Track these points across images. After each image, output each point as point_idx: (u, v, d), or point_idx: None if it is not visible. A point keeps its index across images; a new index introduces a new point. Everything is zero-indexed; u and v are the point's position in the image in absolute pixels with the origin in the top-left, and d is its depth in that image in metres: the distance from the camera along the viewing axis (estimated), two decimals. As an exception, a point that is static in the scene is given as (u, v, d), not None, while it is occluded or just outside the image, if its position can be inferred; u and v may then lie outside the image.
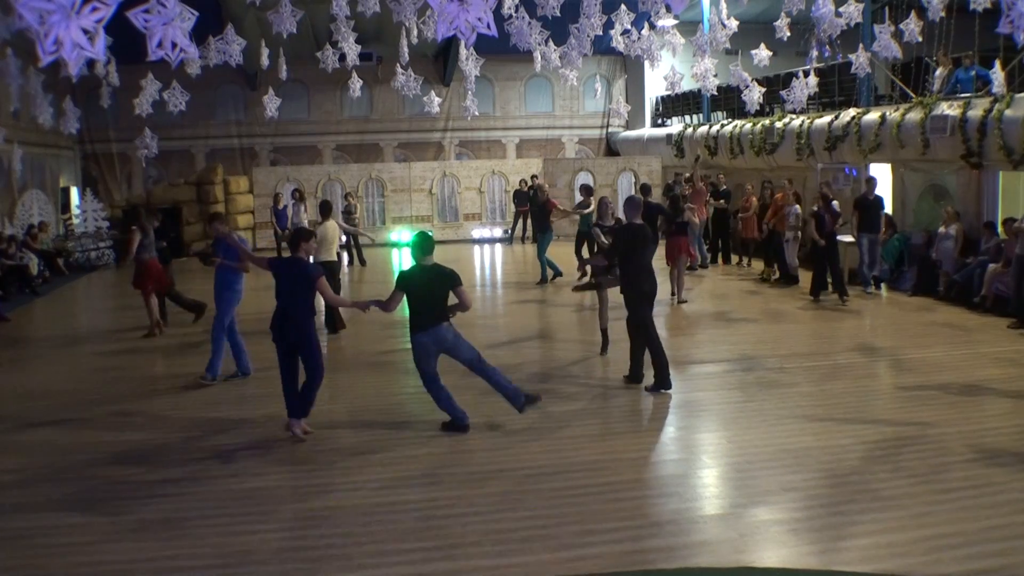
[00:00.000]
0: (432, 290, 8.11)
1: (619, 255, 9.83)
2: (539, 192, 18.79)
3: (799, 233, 16.60)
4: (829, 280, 15.05)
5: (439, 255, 8.50)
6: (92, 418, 9.20)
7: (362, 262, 21.89)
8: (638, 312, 9.67)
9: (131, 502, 6.84)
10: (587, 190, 17.38)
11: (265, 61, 15.37)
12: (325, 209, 13.47)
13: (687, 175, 21.41)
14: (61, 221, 25.57)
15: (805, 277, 16.47)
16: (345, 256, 20.68)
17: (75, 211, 26.41)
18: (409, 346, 8.29)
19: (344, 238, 18.83)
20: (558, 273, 17.50)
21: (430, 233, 8.61)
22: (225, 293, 10.33)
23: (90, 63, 9.44)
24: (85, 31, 4.74)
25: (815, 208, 15.31)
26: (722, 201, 19.78)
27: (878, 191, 15.59)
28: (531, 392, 8.54)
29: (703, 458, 7.78)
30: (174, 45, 5.79)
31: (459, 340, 8.24)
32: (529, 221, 23.28)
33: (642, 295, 9.67)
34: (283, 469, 7.50)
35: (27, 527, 6.41)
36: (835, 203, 15.35)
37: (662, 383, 9.50)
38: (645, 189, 16.28)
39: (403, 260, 22.49)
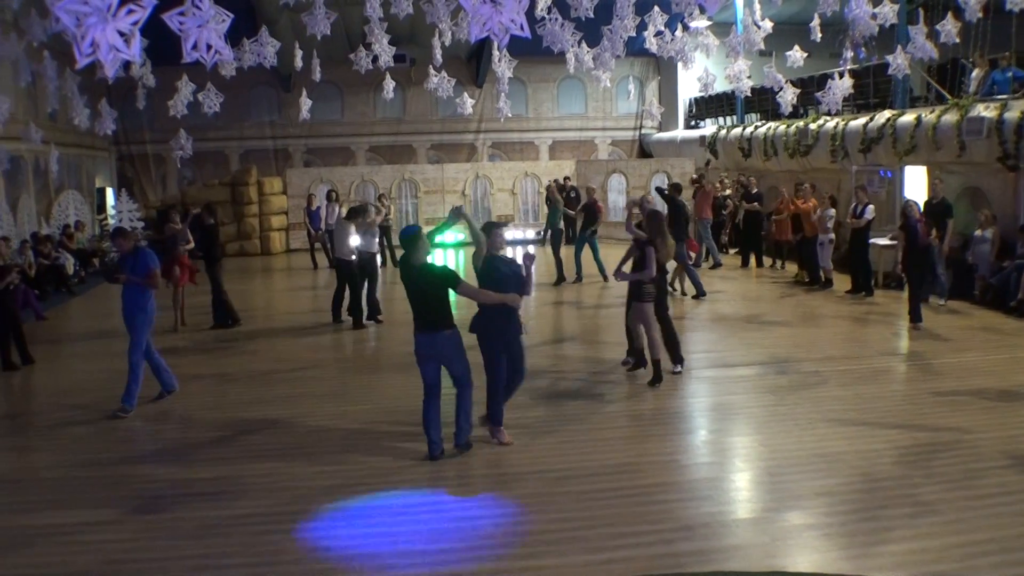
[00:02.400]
0: (424, 291, 7.42)
1: None
2: (588, 193, 18.71)
3: (834, 236, 16.45)
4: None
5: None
6: (127, 416, 9.30)
7: (395, 263, 21.96)
8: None
9: (164, 500, 6.92)
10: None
11: (299, 63, 15.48)
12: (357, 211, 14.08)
13: (693, 176, 21.50)
14: (97, 221, 25.90)
15: (840, 280, 16.32)
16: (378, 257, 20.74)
17: (110, 211, 26.76)
18: None
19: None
20: (579, 278, 17.83)
21: (416, 227, 7.61)
22: (139, 316, 9.62)
23: (126, 65, 9.52)
24: (121, 33, 4.80)
25: (906, 217, 12.86)
26: (755, 204, 19.66)
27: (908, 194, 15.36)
28: (470, 440, 7.82)
29: (735, 461, 7.74)
30: (209, 47, 5.86)
31: (457, 354, 7.58)
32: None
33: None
34: (314, 469, 7.54)
35: (62, 523, 6.49)
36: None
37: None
38: (677, 188, 16.49)
39: (435, 260, 22.49)
